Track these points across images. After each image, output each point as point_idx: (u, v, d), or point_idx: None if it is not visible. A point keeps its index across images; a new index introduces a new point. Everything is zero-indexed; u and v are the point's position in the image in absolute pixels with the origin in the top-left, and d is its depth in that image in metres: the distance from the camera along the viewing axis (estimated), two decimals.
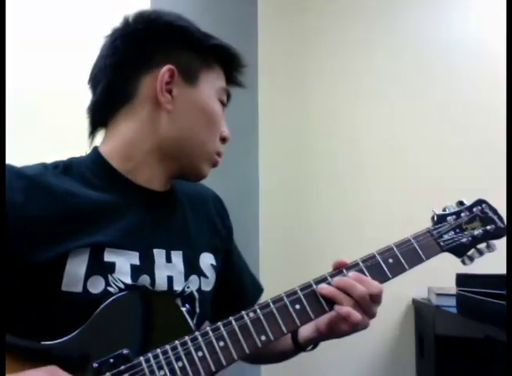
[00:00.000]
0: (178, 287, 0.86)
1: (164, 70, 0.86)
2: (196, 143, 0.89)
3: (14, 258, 0.75)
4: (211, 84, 0.91)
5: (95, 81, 0.91)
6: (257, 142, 2.37)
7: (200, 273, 0.91)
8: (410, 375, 2.12)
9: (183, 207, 0.96)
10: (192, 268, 0.90)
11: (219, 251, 0.99)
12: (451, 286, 1.67)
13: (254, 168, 2.34)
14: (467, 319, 1.54)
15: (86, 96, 1.47)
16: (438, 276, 1.68)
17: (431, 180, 2.18)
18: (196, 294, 0.88)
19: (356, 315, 0.79)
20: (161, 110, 0.87)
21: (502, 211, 0.96)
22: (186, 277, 0.88)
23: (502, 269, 0.95)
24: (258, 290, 1.10)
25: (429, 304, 1.93)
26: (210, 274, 0.93)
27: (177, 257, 0.88)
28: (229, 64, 0.95)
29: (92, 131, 0.93)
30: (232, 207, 1.09)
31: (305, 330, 0.91)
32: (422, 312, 2.05)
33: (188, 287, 0.87)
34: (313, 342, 0.92)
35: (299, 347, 0.94)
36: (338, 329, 0.83)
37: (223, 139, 0.94)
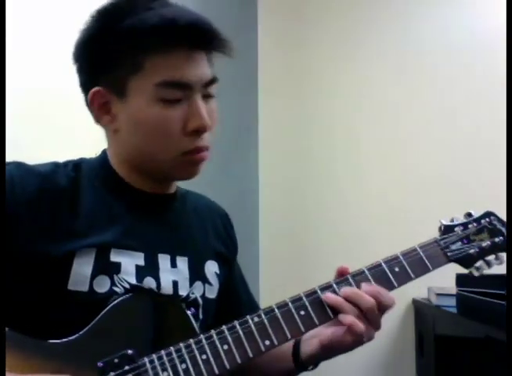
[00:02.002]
0: (182, 292, 0.86)
1: (90, 96, 0.84)
2: (148, 156, 0.85)
3: (22, 255, 0.76)
4: (143, 87, 0.80)
5: None
6: (257, 142, 2.37)
7: (205, 280, 0.91)
8: (410, 375, 2.12)
9: (189, 215, 0.96)
10: (197, 274, 0.90)
11: (224, 261, 0.98)
12: (451, 286, 1.67)
13: (254, 168, 2.34)
14: (467, 319, 1.54)
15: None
16: (438, 276, 1.67)
17: (431, 180, 2.19)
18: (200, 300, 0.89)
19: (359, 325, 0.78)
20: (109, 130, 0.88)
21: (502, 210, 0.96)
22: (191, 283, 0.88)
23: (502, 269, 0.94)
24: (253, 309, 1.07)
25: (429, 304, 1.93)
26: (215, 282, 0.93)
27: (182, 262, 0.88)
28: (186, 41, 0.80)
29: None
30: (232, 207, 1.09)
31: (308, 347, 0.88)
32: (422, 312, 2.05)
33: (192, 293, 0.88)
34: (315, 359, 0.89)
35: (300, 365, 0.90)
36: (342, 342, 0.81)
37: (196, 132, 0.82)
